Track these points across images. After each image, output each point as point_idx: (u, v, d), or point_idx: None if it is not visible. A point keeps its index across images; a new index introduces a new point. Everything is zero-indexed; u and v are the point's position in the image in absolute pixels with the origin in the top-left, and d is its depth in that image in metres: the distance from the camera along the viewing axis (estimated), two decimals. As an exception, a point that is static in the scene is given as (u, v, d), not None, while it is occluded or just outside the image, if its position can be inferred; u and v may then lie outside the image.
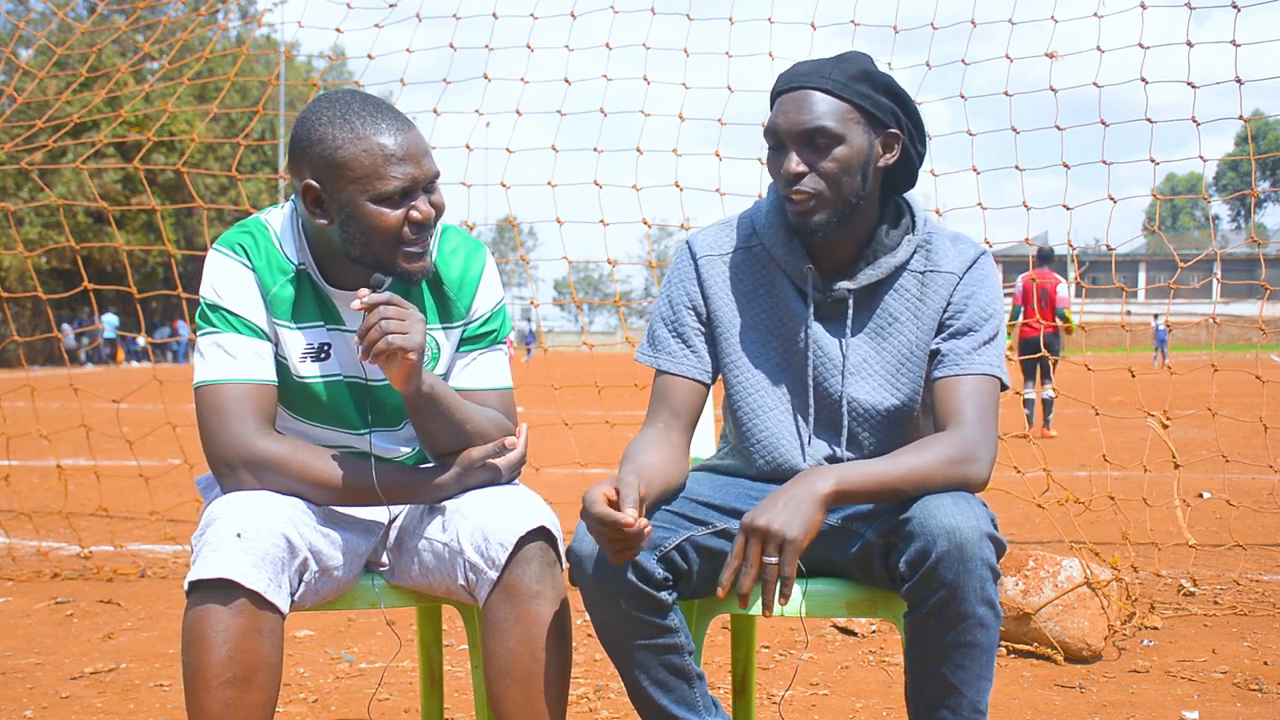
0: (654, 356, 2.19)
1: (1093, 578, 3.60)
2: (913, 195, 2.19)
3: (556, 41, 5.50)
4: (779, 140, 2.05)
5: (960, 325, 2.09)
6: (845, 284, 2.12)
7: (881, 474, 1.90)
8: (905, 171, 2.13)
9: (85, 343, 31.85)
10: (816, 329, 2.14)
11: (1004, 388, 2.09)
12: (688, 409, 2.16)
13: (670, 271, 2.23)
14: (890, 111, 2.05)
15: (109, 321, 33.29)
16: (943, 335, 2.11)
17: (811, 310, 2.13)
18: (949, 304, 2.11)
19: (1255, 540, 5.36)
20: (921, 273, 2.13)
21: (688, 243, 2.23)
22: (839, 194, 2.03)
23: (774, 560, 1.79)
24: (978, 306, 2.10)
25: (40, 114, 6.43)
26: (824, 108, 2.00)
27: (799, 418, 2.16)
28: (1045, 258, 10.63)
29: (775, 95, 2.08)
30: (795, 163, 2.02)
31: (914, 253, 2.13)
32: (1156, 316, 29.13)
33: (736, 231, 2.21)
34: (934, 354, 2.10)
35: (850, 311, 2.12)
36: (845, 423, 2.14)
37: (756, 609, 2.04)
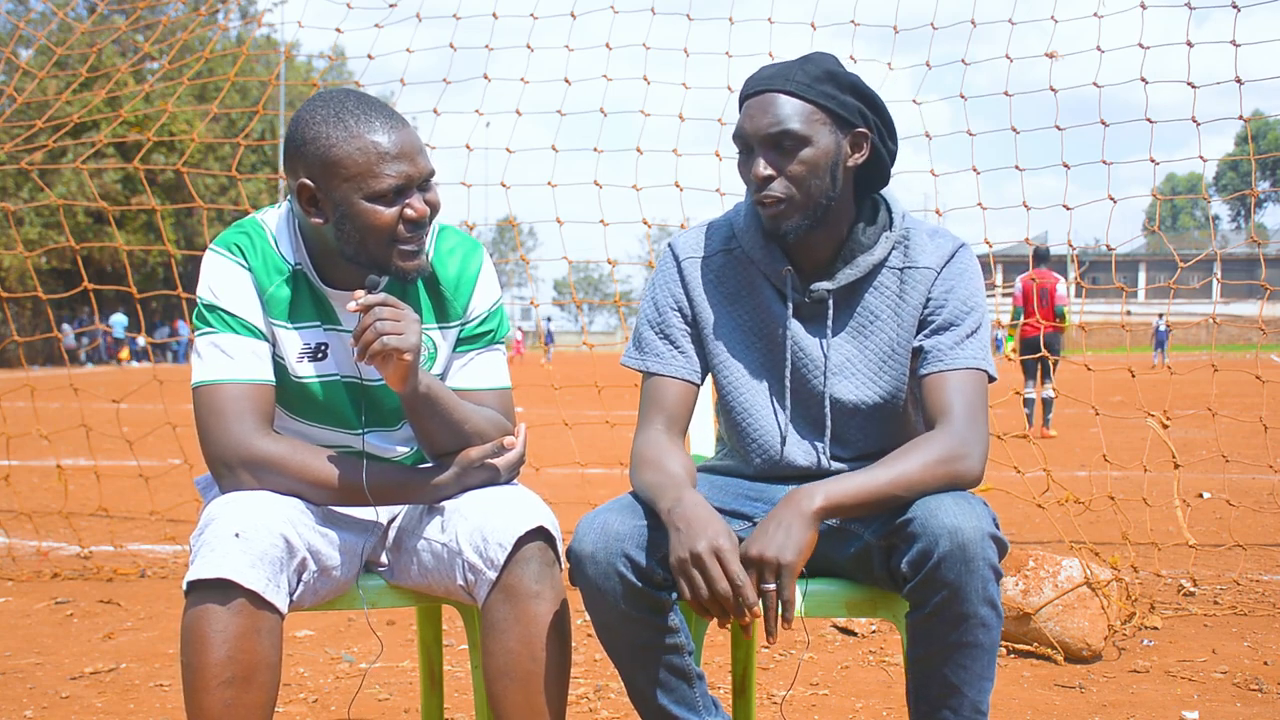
0: (641, 359, 2.18)
1: (1093, 578, 3.60)
2: (890, 191, 2.18)
3: (556, 41, 5.50)
4: (747, 144, 2.06)
5: (942, 320, 2.09)
6: (824, 284, 2.11)
7: (869, 484, 1.89)
8: (877, 169, 2.12)
9: (85, 343, 31.86)
10: (797, 330, 2.14)
11: (991, 379, 2.08)
12: (681, 410, 2.16)
13: (654, 275, 2.23)
14: (857, 110, 2.04)
15: (118, 322, 33.48)
16: (925, 332, 2.10)
17: (790, 311, 2.13)
18: (929, 299, 2.11)
19: (1255, 540, 5.36)
20: (900, 269, 2.13)
21: (670, 245, 2.23)
22: (809, 196, 2.03)
23: (771, 587, 1.80)
24: (958, 300, 2.09)
25: (40, 114, 6.43)
26: (788, 110, 2.00)
27: (787, 418, 2.16)
28: (1042, 257, 10.63)
29: (742, 99, 2.08)
30: (762, 167, 2.02)
31: (892, 249, 2.13)
32: (1160, 316, 29.16)
33: (717, 234, 2.21)
34: (918, 351, 2.10)
35: (830, 312, 2.12)
36: (828, 422, 2.14)
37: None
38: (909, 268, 2.12)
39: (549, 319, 37.32)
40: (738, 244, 2.18)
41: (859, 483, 1.89)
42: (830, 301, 2.12)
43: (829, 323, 2.12)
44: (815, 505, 1.85)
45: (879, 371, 2.13)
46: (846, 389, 2.14)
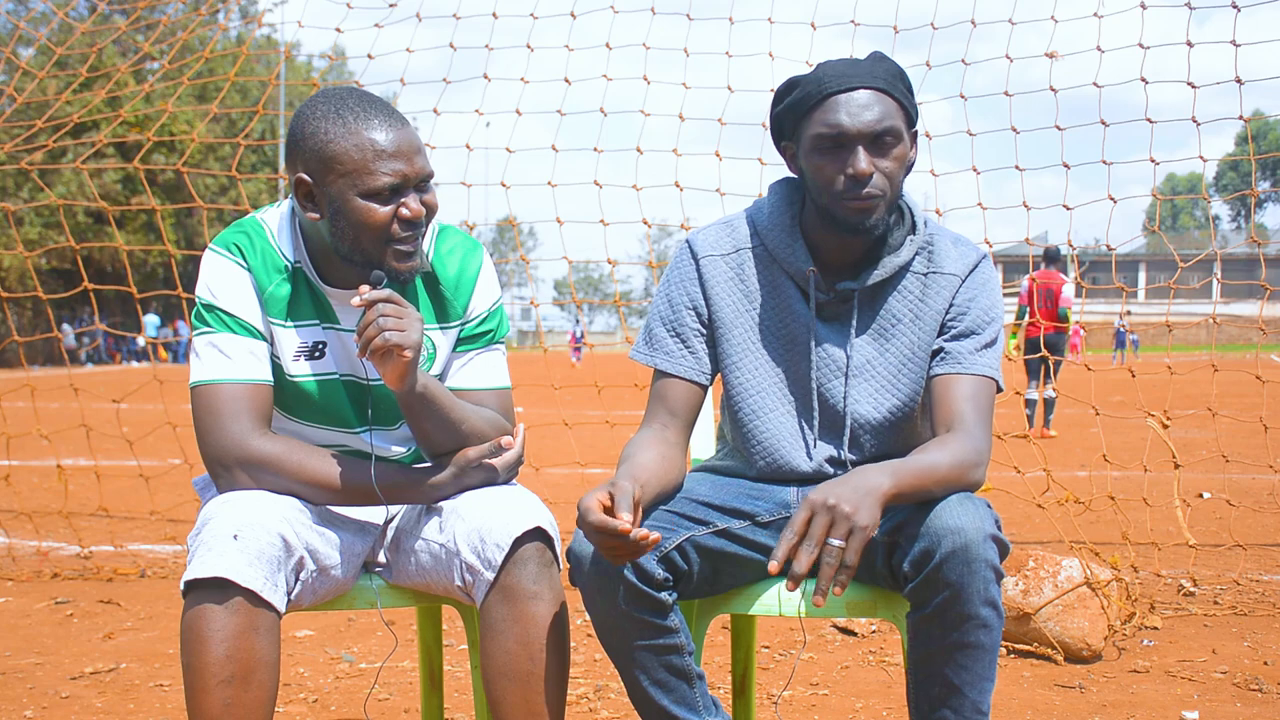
0: (650, 355, 2.18)
1: (1093, 578, 3.60)
2: (910, 195, 2.19)
3: (556, 41, 5.50)
4: (840, 141, 2.01)
5: (963, 327, 2.10)
6: (851, 284, 2.12)
7: (926, 474, 1.88)
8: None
9: (85, 343, 31.89)
10: (820, 330, 2.14)
11: (999, 390, 2.10)
12: (685, 409, 2.16)
13: (670, 270, 2.22)
14: (916, 110, 2.09)
15: (150, 321, 34.19)
16: (945, 336, 2.11)
17: (814, 311, 2.13)
18: (951, 306, 2.12)
19: (1255, 540, 5.36)
20: (924, 274, 2.14)
21: (688, 242, 2.22)
22: (896, 192, 2.05)
23: (840, 544, 1.75)
24: (980, 310, 2.11)
25: (40, 114, 6.43)
26: (886, 107, 2.01)
27: (802, 420, 2.16)
28: (1052, 258, 10.63)
29: (822, 96, 2.02)
30: (866, 163, 2.00)
31: (916, 254, 2.14)
32: (1120, 316, 29.15)
33: (738, 231, 2.20)
34: (936, 352, 2.11)
35: (855, 312, 2.12)
36: (848, 424, 2.14)
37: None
38: (933, 273, 2.13)
39: (578, 320, 37.41)
40: (759, 242, 2.18)
41: (919, 470, 1.87)
42: (855, 301, 2.12)
43: (853, 323, 2.13)
44: (888, 488, 1.82)
45: (897, 376, 2.14)
46: (865, 392, 2.14)
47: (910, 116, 2.06)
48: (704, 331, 2.18)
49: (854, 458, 2.16)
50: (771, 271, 2.16)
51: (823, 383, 2.15)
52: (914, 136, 2.09)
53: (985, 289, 2.13)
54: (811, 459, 2.15)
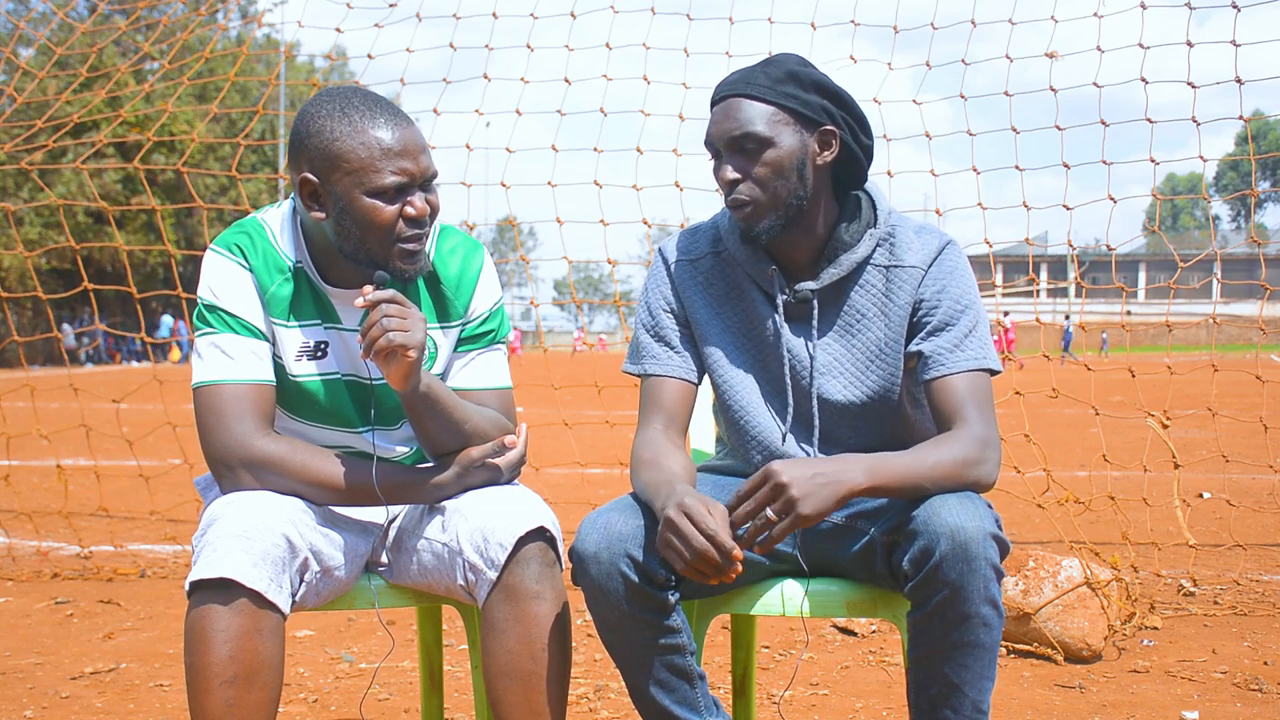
0: (639, 364, 2.20)
1: (1093, 578, 3.60)
2: (875, 188, 2.17)
3: (556, 41, 5.50)
4: (715, 150, 2.07)
5: (937, 322, 2.08)
6: (809, 284, 2.12)
7: (909, 469, 1.89)
8: (853, 165, 2.11)
9: (85, 342, 31.91)
10: (785, 330, 2.14)
11: (997, 372, 2.08)
12: (680, 410, 2.16)
13: (647, 279, 2.25)
14: (821, 108, 2.04)
15: (165, 323, 34.70)
16: (921, 335, 2.09)
17: (781, 312, 2.13)
18: (921, 301, 2.10)
19: (1255, 540, 5.36)
20: (886, 267, 2.12)
21: (660, 249, 2.25)
22: (776, 197, 2.04)
23: (772, 517, 1.80)
24: (951, 300, 2.08)
25: (40, 114, 6.43)
26: (751, 113, 2.02)
27: (779, 419, 2.17)
28: None
29: (710, 107, 2.09)
30: (729, 171, 2.04)
31: (876, 247, 2.13)
32: (1068, 317, 29.10)
33: (704, 237, 2.22)
34: (918, 355, 2.09)
35: (815, 311, 2.12)
36: (817, 422, 2.14)
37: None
38: (895, 266, 2.11)
39: (511, 329, 38.21)
40: (724, 246, 2.19)
41: (901, 465, 1.89)
42: (815, 301, 2.12)
43: (814, 323, 2.13)
44: (860, 483, 1.84)
45: (866, 370, 2.13)
46: (835, 388, 2.14)
47: (804, 116, 2.02)
48: (684, 331, 2.19)
49: (827, 453, 2.15)
50: (736, 275, 2.17)
51: (795, 381, 2.15)
52: (828, 135, 2.04)
53: (953, 276, 2.10)
54: (799, 454, 2.15)
